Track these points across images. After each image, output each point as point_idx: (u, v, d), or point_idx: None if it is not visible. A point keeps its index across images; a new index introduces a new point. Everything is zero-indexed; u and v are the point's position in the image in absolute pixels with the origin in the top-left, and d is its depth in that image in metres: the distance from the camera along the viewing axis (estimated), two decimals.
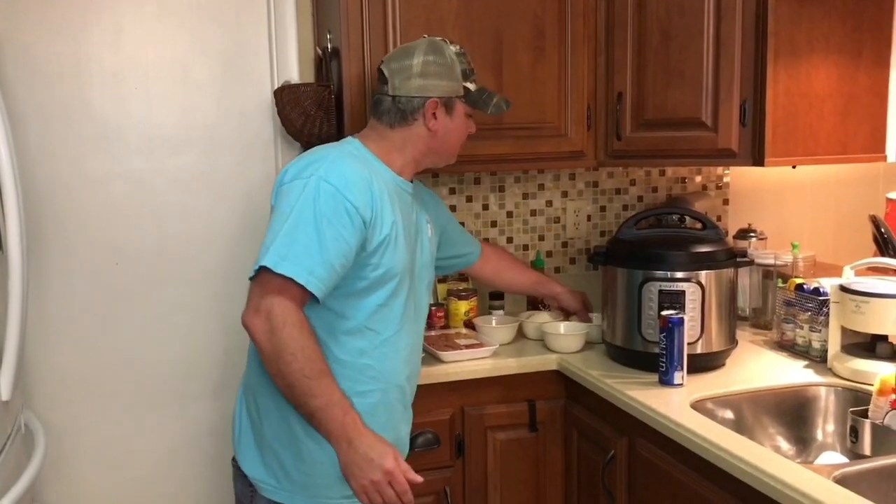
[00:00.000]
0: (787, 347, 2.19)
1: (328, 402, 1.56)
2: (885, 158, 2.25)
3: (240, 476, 1.77)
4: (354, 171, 1.66)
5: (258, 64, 2.42)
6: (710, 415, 1.81)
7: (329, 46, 2.27)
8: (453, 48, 1.84)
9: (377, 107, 1.82)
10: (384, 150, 1.79)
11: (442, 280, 2.61)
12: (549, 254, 2.74)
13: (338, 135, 2.22)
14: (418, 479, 1.60)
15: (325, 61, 2.28)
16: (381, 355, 1.73)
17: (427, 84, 1.78)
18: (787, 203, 2.88)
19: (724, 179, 2.88)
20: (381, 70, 1.81)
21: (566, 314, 2.39)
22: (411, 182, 1.85)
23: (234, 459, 1.80)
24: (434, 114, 1.79)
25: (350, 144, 1.79)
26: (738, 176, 2.87)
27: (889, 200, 2.45)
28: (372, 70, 2.12)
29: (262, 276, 1.56)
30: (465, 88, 1.84)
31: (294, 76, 2.42)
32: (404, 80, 1.78)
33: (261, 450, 1.72)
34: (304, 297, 1.57)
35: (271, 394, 1.67)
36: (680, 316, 1.90)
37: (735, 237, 2.62)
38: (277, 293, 1.54)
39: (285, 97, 2.23)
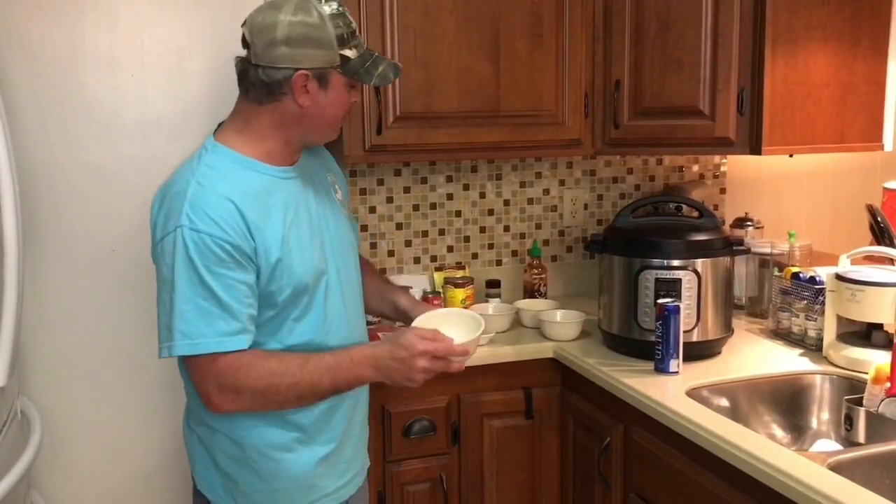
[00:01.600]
0: (783, 336, 2.19)
1: (331, 372, 1.52)
2: (882, 147, 2.25)
3: (197, 493, 1.69)
4: (218, 201, 1.47)
5: None
6: (706, 402, 1.81)
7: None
8: (328, 7, 1.52)
9: (243, 79, 1.56)
10: (252, 143, 1.56)
11: (438, 268, 2.62)
12: (545, 242, 2.74)
13: None
14: (451, 344, 1.54)
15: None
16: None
17: (294, 53, 1.49)
18: (784, 192, 2.88)
19: (722, 168, 2.88)
20: (244, 33, 1.54)
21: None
22: (294, 164, 1.63)
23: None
24: (305, 87, 1.52)
25: (209, 157, 1.56)
26: (736, 165, 2.87)
27: (886, 190, 2.45)
28: None
29: (188, 362, 1.50)
30: (343, 57, 1.53)
31: None
32: (268, 48, 1.50)
33: (218, 473, 1.64)
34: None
35: (215, 422, 1.59)
36: (676, 304, 1.90)
37: (732, 226, 2.62)
38: (210, 367, 1.48)
39: None
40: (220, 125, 1.64)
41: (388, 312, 1.92)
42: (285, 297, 1.55)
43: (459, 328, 1.61)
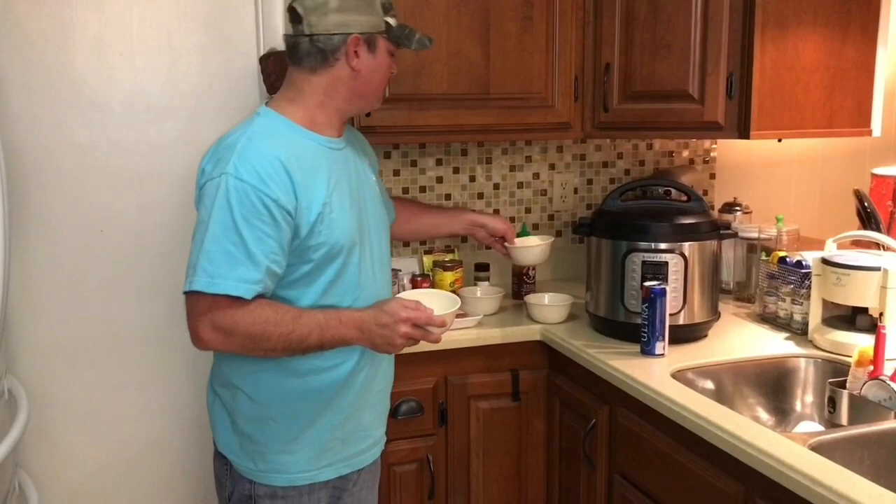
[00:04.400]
0: (770, 320, 2.20)
1: (320, 328, 1.58)
2: (870, 133, 2.26)
3: (218, 455, 1.75)
4: (266, 157, 1.55)
5: (244, 30, 2.40)
6: (691, 385, 1.82)
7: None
8: None
9: (294, 51, 1.66)
10: (304, 110, 1.66)
11: (428, 251, 2.62)
12: (535, 226, 2.74)
13: None
14: (431, 314, 1.63)
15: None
16: None
17: (347, 19, 1.63)
18: (773, 177, 2.89)
19: (712, 154, 2.88)
20: (294, 8, 1.64)
21: (500, 240, 2.19)
22: (341, 137, 1.73)
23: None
24: (356, 52, 1.64)
25: (261, 119, 1.65)
26: (726, 150, 2.87)
27: (874, 176, 2.46)
28: None
29: (192, 297, 1.55)
30: (386, 24, 1.69)
31: (280, 43, 2.39)
32: (321, 17, 1.62)
33: (237, 435, 1.70)
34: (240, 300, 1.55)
35: (240, 382, 1.67)
36: (662, 287, 1.91)
37: (720, 211, 2.63)
38: (211, 305, 1.53)
39: (271, 64, 2.21)
40: (270, 98, 1.72)
41: (460, 231, 2.20)
42: (321, 254, 1.62)
43: (439, 304, 1.70)
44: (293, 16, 1.66)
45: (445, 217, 2.25)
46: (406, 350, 2.00)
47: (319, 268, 1.63)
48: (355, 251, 1.68)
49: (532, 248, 2.23)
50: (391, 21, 1.70)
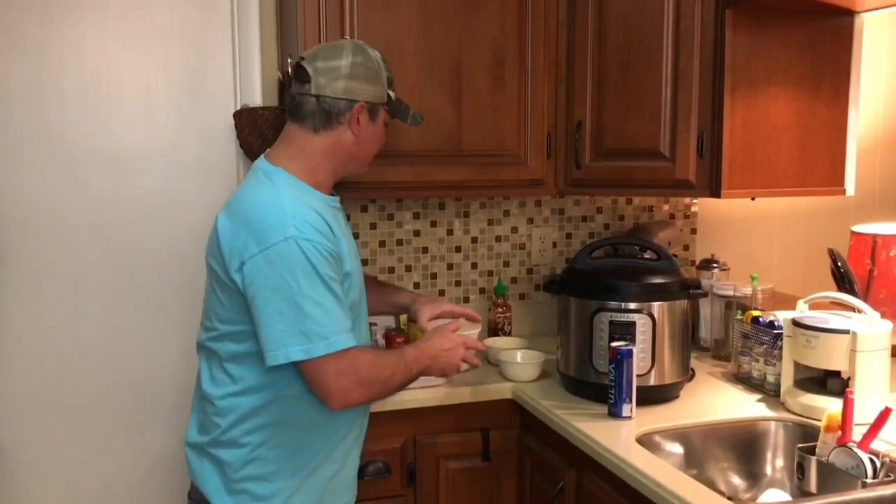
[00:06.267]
0: (744, 380, 2.17)
1: (414, 363, 1.74)
2: (843, 192, 2.25)
3: None
4: (312, 214, 1.63)
5: (222, 86, 2.42)
6: (657, 448, 1.79)
7: (290, 70, 2.27)
8: (377, 54, 1.78)
9: (299, 109, 1.71)
10: (307, 169, 1.71)
11: None
12: (513, 280, 2.73)
13: None
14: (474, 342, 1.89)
15: (287, 85, 2.28)
16: None
17: (355, 87, 1.71)
18: (755, 233, 2.88)
19: (693, 209, 2.87)
20: (304, 67, 1.70)
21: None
22: (333, 197, 1.80)
23: (190, 494, 1.79)
24: (359, 118, 1.73)
25: (280, 179, 1.67)
26: (707, 205, 2.87)
27: (853, 233, 2.44)
28: None
29: (314, 364, 1.59)
30: (388, 96, 1.79)
31: (257, 99, 2.42)
32: (332, 80, 1.69)
33: (233, 494, 1.69)
34: None
35: (243, 439, 1.68)
36: (629, 347, 1.89)
37: (698, 267, 2.61)
38: (346, 362, 1.60)
39: (243, 120, 2.23)
40: (264, 153, 1.77)
41: (389, 311, 2.23)
42: (348, 304, 1.70)
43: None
44: (301, 74, 1.70)
45: (382, 301, 2.15)
46: (375, 408, 2.01)
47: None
48: (360, 303, 1.80)
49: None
50: (392, 94, 1.80)
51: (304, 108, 1.71)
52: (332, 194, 1.80)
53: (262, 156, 1.76)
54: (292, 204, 1.62)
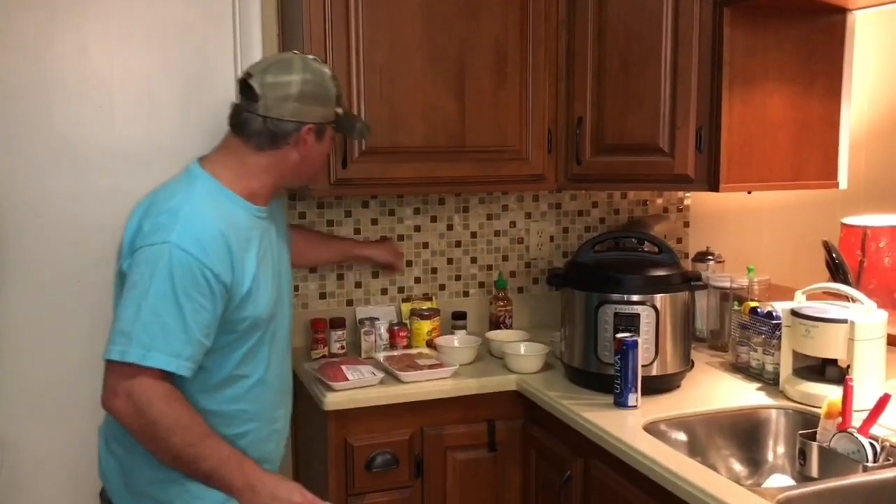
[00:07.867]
0: (742, 370, 2.22)
1: (220, 460, 1.55)
2: (837, 185, 2.30)
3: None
4: (209, 229, 1.56)
5: (224, 81, 2.43)
6: (663, 437, 1.83)
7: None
8: (326, 70, 1.74)
9: (245, 126, 1.66)
10: (239, 179, 1.67)
11: (406, 300, 2.63)
12: (512, 274, 2.77)
13: None
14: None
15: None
16: (254, 396, 1.71)
17: (304, 109, 1.66)
18: (747, 226, 2.94)
19: (685, 202, 2.93)
20: (252, 85, 1.64)
21: (385, 268, 2.55)
22: (266, 206, 1.75)
23: (101, 494, 1.76)
24: (305, 139, 1.69)
25: (202, 184, 1.64)
26: (699, 199, 2.92)
27: (843, 225, 2.51)
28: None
29: (116, 364, 1.51)
30: (336, 114, 1.75)
31: None
32: (280, 102, 1.64)
33: (134, 495, 1.66)
34: (170, 374, 1.53)
35: (139, 448, 1.59)
36: (634, 339, 1.93)
37: (693, 260, 2.66)
38: (136, 377, 1.50)
39: None
40: (202, 157, 1.72)
41: (334, 259, 2.44)
42: (245, 326, 1.65)
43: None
44: (248, 92, 1.65)
45: (328, 251, 2.43)
46: (382, 401, 2.04)
47: (241, 338, 1.64)
48: (273, 322, 1.73)
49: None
50: (339, 111, 1.77)
51: (250, 125, 1.66)
52: (268, 203, 1.75)
53: (197, 158, 1.73)
54: (192, 213, 1.56)
